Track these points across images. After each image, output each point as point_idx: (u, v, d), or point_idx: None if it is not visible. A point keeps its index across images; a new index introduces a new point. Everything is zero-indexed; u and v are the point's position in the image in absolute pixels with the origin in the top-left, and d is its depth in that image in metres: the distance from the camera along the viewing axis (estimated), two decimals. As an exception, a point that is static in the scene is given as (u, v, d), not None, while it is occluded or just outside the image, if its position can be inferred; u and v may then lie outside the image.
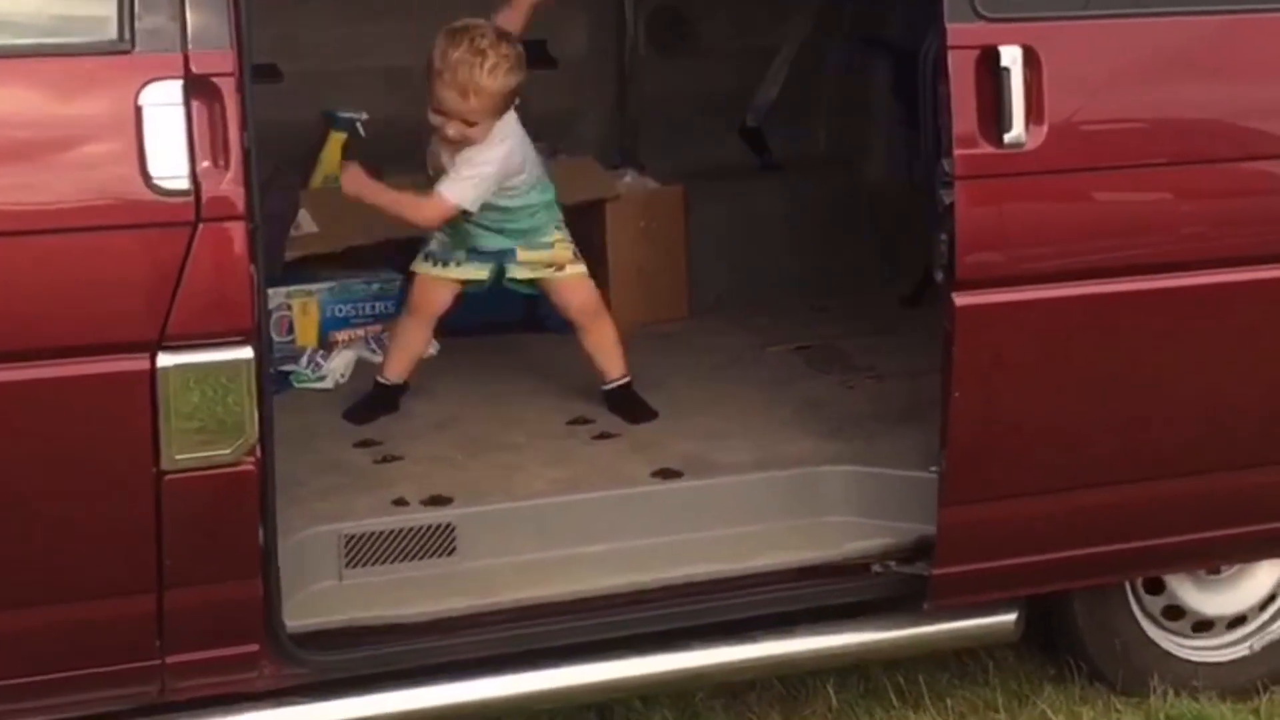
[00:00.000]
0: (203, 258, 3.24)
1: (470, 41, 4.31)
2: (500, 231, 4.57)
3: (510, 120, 4.48)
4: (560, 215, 4.67)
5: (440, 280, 4.63)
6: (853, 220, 5.66)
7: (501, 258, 4.62)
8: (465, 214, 4.49)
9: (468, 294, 4.74)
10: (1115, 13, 3.75)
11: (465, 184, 4.44)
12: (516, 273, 4.64)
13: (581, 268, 4.68)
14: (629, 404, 4.62)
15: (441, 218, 4.49)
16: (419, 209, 4.49)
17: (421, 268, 4.65)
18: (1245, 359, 3.97)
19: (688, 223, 5.55)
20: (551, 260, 4.64)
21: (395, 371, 4.64)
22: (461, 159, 4.44)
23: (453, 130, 4.38)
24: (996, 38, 3.62)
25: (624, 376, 4.65)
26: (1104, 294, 3.79)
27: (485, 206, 4.50)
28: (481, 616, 3.79)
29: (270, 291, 4.88)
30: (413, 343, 4.66)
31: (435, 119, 4.40)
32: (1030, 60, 3.64)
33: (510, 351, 5.06)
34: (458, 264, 4.62)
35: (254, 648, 3.50)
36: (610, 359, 4.65)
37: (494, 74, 4.31)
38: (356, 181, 4.47)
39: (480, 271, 4.63)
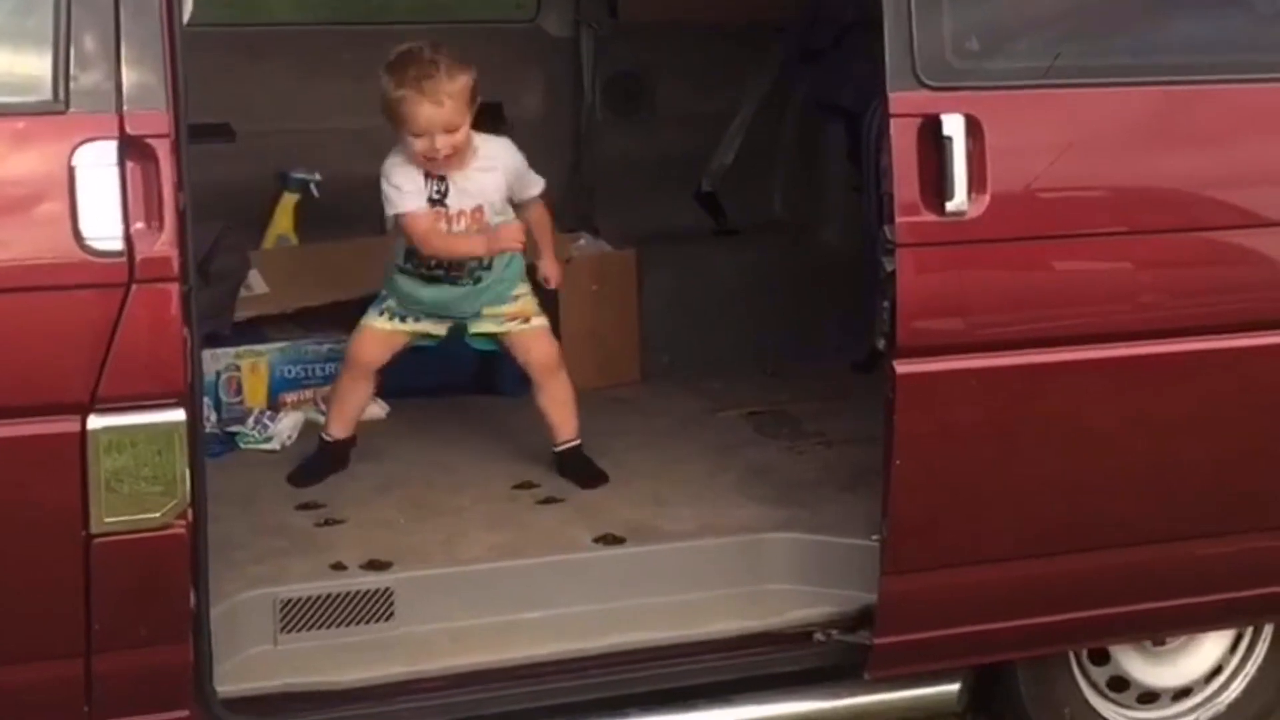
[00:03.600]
0: (136, 319, 3.22)
1: (415, 59, 4.36)
2: (475, 281, 4.54)
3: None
4: (524, 267, 4.65)
5: (389, 334, 4.59)
6: (807, 285, 5.65)
7: (464, 315, 4.60)
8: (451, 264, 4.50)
9: (420, 355, 4.72)
10: (1058, 83, 3.75)
11: (528, 171, 4.60)
12: (479, 327, 4.61)
13: (544, 321, 4.67)
14: (579, 467, 4.59)
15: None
16: (550, 219, 4.76)
17: (375, 321, 4.60)
18: (1189, 429, 3.96)
19: (641, 286, 5.55)
20: (517, 313, 4.62)
21: (339, 428, 4.61)
22: (500, 148, 4.54)
23: (440, 143, 4.37)
24: (939, 106, 3.63)
25: (575, 439, 4.63)
26: (1046, 363, 3.78)
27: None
28: (418, 683, 3.76)
29: (219, 352, 4.91)
30: (354, 398, 4.62)
31: (421, 143, 4.38)
32: (973, 129, 3.65)
33: (460, 414, 5.04)
34: (415, 320, 4.59)
35: (184, 713, 3.46)
36: (564, 419, 4.63)
37: (453, 75, 4.35)
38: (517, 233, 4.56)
39: (439, 327, 4.61)
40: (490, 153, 4.52)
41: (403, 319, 4.60)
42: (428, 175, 4.45)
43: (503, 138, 4.61)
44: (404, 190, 4.43)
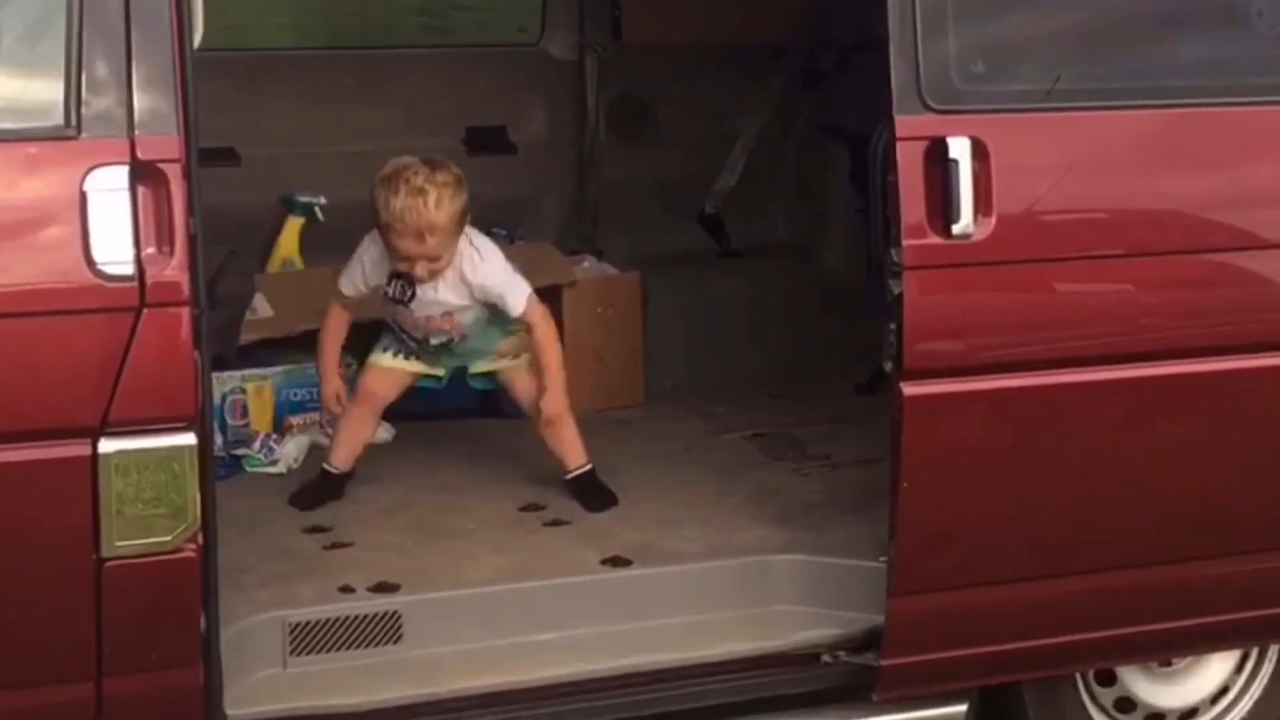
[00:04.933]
0: (146, 343, 3.24)
1: (406, 184, 4.29)
2: (458, 356, 4.60)
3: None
4: (503, 324, 4.62)
5: (396, 371, 4.64)
6: (810, 307, 5.67)
7: (465, 358, 4.64)
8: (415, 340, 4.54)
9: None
10: (1063, 105, 3.77)
11: (517, 279, 4.49)
12: (479, 366, 4.65)
13: (525, 357, 4.67)
14: (590, 491, 4.60)
15: (547, 316, 4.55)
16: (553, 339, 4.55)
17: (380, 358, 4.65)
18: (1196, 450, 3.97)
19: (645, 309, 5.57)
20: (509, 350, 4.65)
21: (341, 460, 4.62)
22: (484, 276, 4.44)
23: (420, 270, 4.37)
24: (944, 129, 3.65)
25: (585, 464, 4.64)
26: (1052, 384, 3.79)
27: (450, 344, 4.56)
28: (427, 706, 3.76)
29: (225, 375, 4.91)
30: (359, 433, 4.65)
31: (401, 266, 4.39)
32: (978, 152, 3.66)
33: (465, 437, 5.04)
34: (417, 357, 4.62)
35: (194, 736, 3.47)
36: (570, 449, 4.63)
37: (440, 207, 4.30)
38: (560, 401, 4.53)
39: (438, 369, 4.65)
40: (469, 270, 4.44)
41: (406, 356, 4.63)
42: (399, 275, 4.43)
43: (493, 250, 4.50)
44: (357, 273, 4.48)
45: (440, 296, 4.46)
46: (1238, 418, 3.97)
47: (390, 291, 4.47)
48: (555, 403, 4.55)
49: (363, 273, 4.50)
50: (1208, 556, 4.07)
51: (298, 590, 3.95)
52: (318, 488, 4.59)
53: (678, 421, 5.28)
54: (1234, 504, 4.03)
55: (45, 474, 3.23)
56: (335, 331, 4.58)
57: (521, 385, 4.67)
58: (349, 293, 4.54)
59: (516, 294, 4.49)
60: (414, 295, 4.45)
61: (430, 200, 4.28)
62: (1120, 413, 3.88)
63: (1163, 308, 3.89)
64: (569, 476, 4.63)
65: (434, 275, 4.41)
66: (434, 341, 4.57)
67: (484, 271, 4.46)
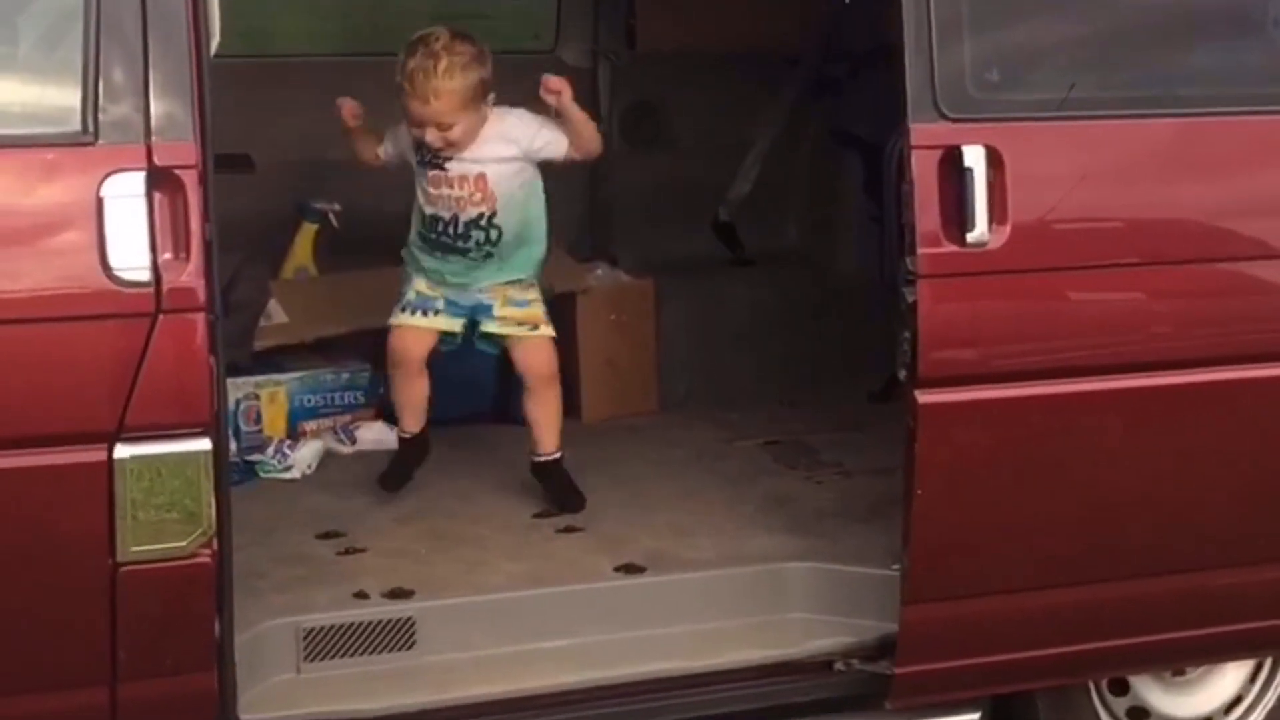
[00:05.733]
0: (162, 349, 3.24)
1: (425, 48, 4.36)
2: (485, 256, 4.54)
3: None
4: (539, 265, 4.65)
5: (417, 329, 4.63)
6: (824, 315, 5.67)
7: (476, 311, 4.62)
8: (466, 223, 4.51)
9: (439, 383, 4.75)
10: (1078, 114, 3.77)
11: (544, 134, 4.52)
12: (490, 327, 4.62)
13: (550, 330, 4.67)
14: (557, 482, 4.62)
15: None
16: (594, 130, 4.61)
17: (398, 318, 4.64)
18: (1210, 458, 3.97)
19: (658, 316, 5.57)
20: (525, 318, 4.64)
21: (409, 423, 4.68)
22: (515, 121, 4.49)
23: (431, 137, 4.40)
24: (959, 138, 3.65)
25: (556, 452, 4.65)
26: (1067, 393, 3.79)
27: (484, 224, 4.51)
28: (441, 712, 3.77)
29: (239, 381, 4.92)
30: (412, 392, 4.66)
31: (415, 132, 4.43)
32: (993, 160, 3.66)
33: (479, 443, 5.05)
34: (434, 313, 4.61)
35: (209, 742, 3.47)
36: (548, 430, 4.65)
37: (449, 74, 4.34)
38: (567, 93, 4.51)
39: (454, 324, 4.63)
40: (499, 130, 4.49)
41: (423, 312, 4.61)
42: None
43: (516, 110, 4.54)
44: (399, 132, 4.56)
45: (470, 157, 4.46)
46: (1253, 427, 3.97)
47: (426, 155, 4.48)
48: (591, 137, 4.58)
49: (397, 138, 4.58)
50: (1223, 566, 4.07)
51: (312, 596, 3.95)
52: (401, 458, 4.67)
53: (690, 429, 5.28)
54: (1249, 513, 4.03)
55: (61, 479, 3.23)
56: (366, 136, 4.68)
57: (525, 356, 4.66)
58: (388, 150, 4.63)
59: (550, 134, 4.52)
60: (451, 154, 4.45)
61: (440, 66, 4.33)
62: (1134, 421, 3.88)
63: (1178, 316, 3.89)
64: (536, 459, 4.64)
65: (449, 146, 4.42)
66: (466, 235, 4.51)
67: (515, 117, 4.50)
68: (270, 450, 4.90)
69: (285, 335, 5.16)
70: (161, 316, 3.24)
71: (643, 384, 5.53)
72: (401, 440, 4.74)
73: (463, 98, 4.38)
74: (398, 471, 4.68)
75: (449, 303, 4.61)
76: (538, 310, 4.65)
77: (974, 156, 3.65)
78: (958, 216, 3.65)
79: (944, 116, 3.65)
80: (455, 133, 4.40)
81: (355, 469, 4.88)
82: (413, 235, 4.63)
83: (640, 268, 5.66)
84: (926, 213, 3.64)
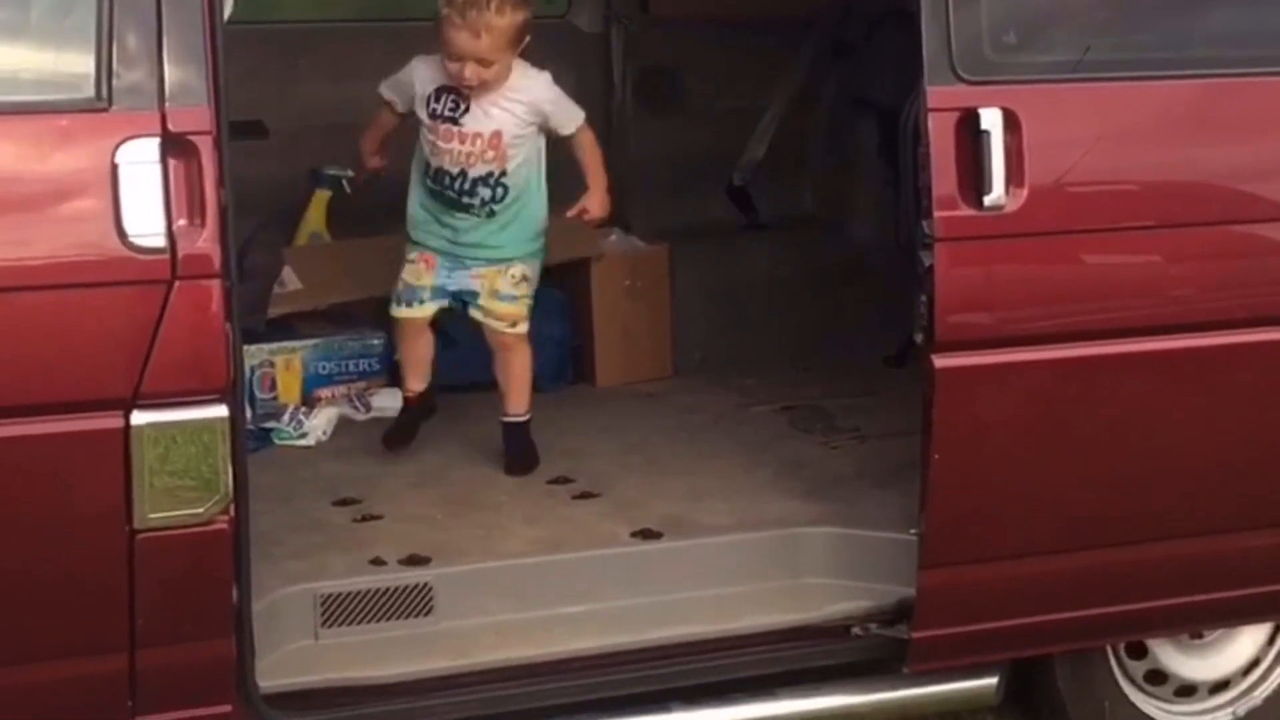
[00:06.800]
0: (178, 315, 3.23)
1: None
2: (489, 215, 4.54)
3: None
4: (538, 255, 4.66)
5: (415, 320, 4.67)
6: (838, 280, 5.66)
7: (462, 295, 4.63)
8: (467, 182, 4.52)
9: (452, 353, 4.79)
10: (1095, 76, 3.75)
11: (572, 102, 4.58)
12: (474, 314, 4.65)
13: (524, 329, 4.67)
14: (517, 443, 4.64)
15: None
16: (599, 149, 4.68)
17: (396, 311, 4.70)
18: (1228, 422, 3.95)
19: (673, 282, 5.56)
20: (506, 315, 4.64)
21: (414, 383, 4.73)
22: (537, 85, 4.52)
23: (469, 72, 4.40)
24: (977, 100, 3.63)
25: (524, 415, 4.68)
26: (1084, 357, 3.78)
27: (492, 182, 4.52)
28: (458, 678, 3.77)
29: (254, 348, 4.92)
30: (415, 350, 4.72)
31: (453, 66, 4.42)
32: (1010, 123, 3.64)
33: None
34: (421, 303, 4.64)
35: (227, 708, 3.47)
36: (516, 391, 4.67)
37: (501, 11, 4.37)
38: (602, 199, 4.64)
39: (439, 306, 4.68)
40: (523, 85, 4.51)
41: (408, 304, 4.64)
42: (451, 90, 4.48)
43: (544, 72, 4.56)
44: (404, 82, 4.56)
45: (492, 110, 4.47)
46: (1271, 389, 3.95)
47: (439, 109, 4.48)
48: (596, 200, 4.63)
49: (409, 80, 4.57)
50: (1240, 529, 4.06)
51: (329, 563, 3.96)
52: (404, 418, 4.72)
53: (706, 394, 5.27)
54: (1266, 476, 4.01)
55: (78, 446, 3.23)
56: (381, 126, 4.71)
57: (492, 337, 4.66)
58: (388, 94, 4.62)
59: (570, 107, 4.57)
60: (468, 109, 4.47)
61: (492, 3, 4.35)
62: (1152, 384, 3.87)
63: (1195, 279, 3.87)
64: (504, 419, 4.67)
65: (483, 86, 4.42)
66: (473, 192, 4.51)
67: (538, 82, 4.53)
68: (285, 417, 4.90)
69: (300, 302, 5.15)
70: (177, 283, 3.22)
71: (658, 349, 5.53)
72: (406, 399, 4.76)
73: (509, 36, 4.41)
74: (401, 433, 4.71)
75: (435, 290, 4.62)
76: (522, 308, 4.64)
77: (991, 119, 3.63)
78: (974, 180, 3.63)
79: (961, 79, 3.62)
80: (492, 71, 4.42)
81: (370, 435, 4.87)
82: (414, 191, 4.63)
83: (655, 233, 5.65)
84: (943, 176, 3.62)
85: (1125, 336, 3.81)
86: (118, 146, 3.19)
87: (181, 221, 3.23)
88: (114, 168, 3.19)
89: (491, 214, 4.55)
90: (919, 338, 3.71)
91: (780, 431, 4.95)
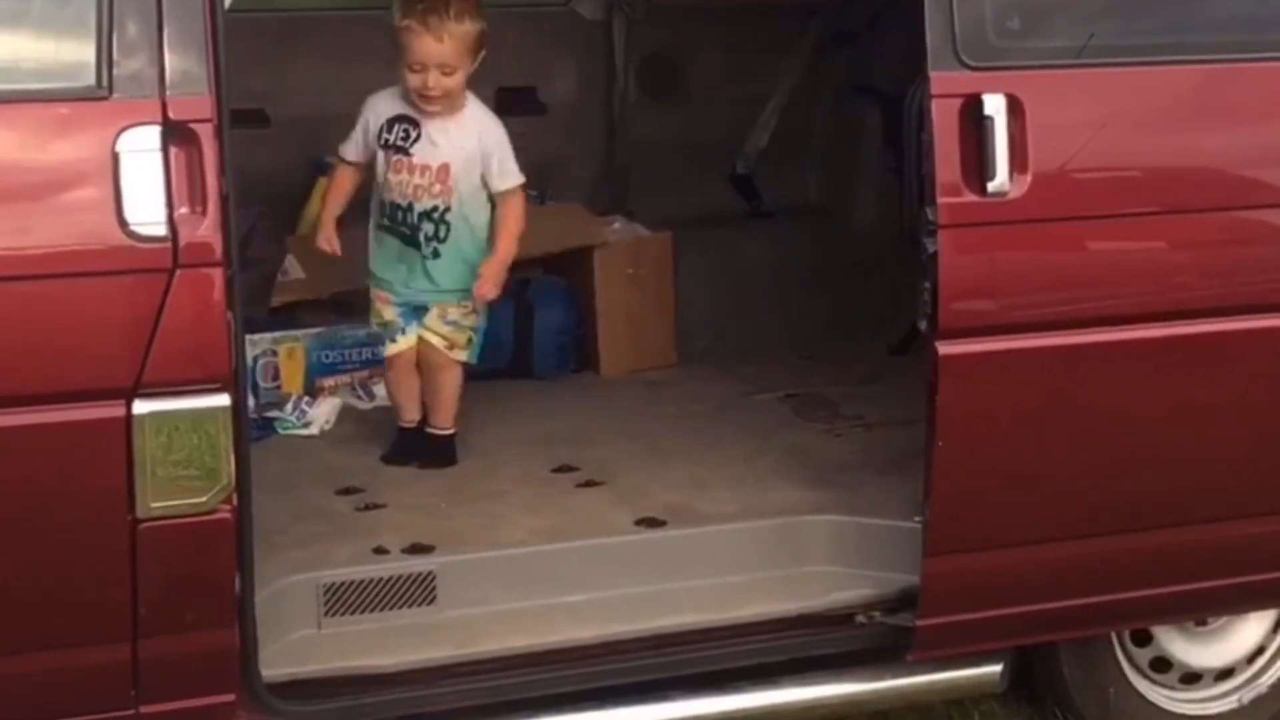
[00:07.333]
0: (180, 304, 3.22)
1: None
2: (434, 255, 4.54)
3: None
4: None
5: (396, 354, 4.67)
6: (842, 268, 5.65)
7: (419, 311, 4.63)
8: (400, 216, 4.53)
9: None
10: (1099, 62, 3.74)
11: (509, 160, 4.53)
12: (419, 330, 4.63)
13: (463, 357, 4.65)
14: (436, 451, 4.63)
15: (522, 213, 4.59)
16: (520, 220, 4.56)
17: (388, 349, 4.70)
18: (1232, 409, 3.94)
19: (676, 270, 5.55)
20: (449, 340, 4.62)
21: (408, 414, 4.69)
22: (490, 126, 4.52)
23: (432, 80, 4.40)
24: (980, 86, 3.62)
25: (451, 430, 4.66)
26: (1089, 343, 3.77)
27: (436, 217, 4.52)
28: (462, 666, 3.76)
29: (256, 337, 4.91)
30: (403, 389, 4.71)
31: (415, 79, 4.42)
32: (1014, 109, 3.63)
33: (496, 398, 5.03)
34: (404, 333, 4.64)
35: (230, 698, 3.46)
36: (441, 409, 4.66)
37: (460, 18, 4.39)
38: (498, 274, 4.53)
39: (410, 333, 4.66)
40: (477, 115, 4.53)
41: (392, 340, 4.67)
42: (403, 120, 4.48)
43: (495, 118, 4.57)
44: (358, 133, 4.57)
45: (442, 140, 4.48)
46: (1276, 375, 3.94)
47: (391, 138, 4.49)
48: (488, 276, 4.49)
49: (365, 130, 4.57)
50: (1245, 515, 4.05)
51: (332, 552, 3.95)
52: (400, 447, 4.66)
53: (709, 382, 5.26)
54: (1271, 462, 4.01)
55: (80, 435, 3.22)
56: (341, 184, 4.68)
57: (427, 355, 4.63)
58: (351, 158, 4.63)
59: (512, 166, 4.54)
60: (419, 137, 4.47)
61: (452, 9, 4.38)
62: (1156, 371, 3.86)
63: (1199, 266, 3.86)
64: (431, 431, 4.65)
65: (447, 95, 4.43)
66: (418, 227, 4.51)
67: (492, 121, 4.53)
68: (289, 407, 4.90)
69: (303, 291, 5.15)
70: (179, 271, 3.21)
71: (661, 338, 5.52)
72: (401, 430, 4.70)
73: (469, 44, 4.42)
74: (394, 459, 4.66)
75: (404, 314, 4.63)
76: (463, 336, 4.62)
77: (995, 105, 3.62)
78: (978, 166, 3.62)
79: (964, 65, 3.61)
80: (453, 80, 4.42)
81: (373, 425, 4.87)
82: (371, 232, 4.64)
83: (658, 221, 5.64)
84: (947, 162, 3.61)
85: (1129, 323, 3.80)
86: (118, 135, 3.18)
87: (183, 210, 3.22)
88: (115, 156, 3.18)
89: (436, 254, 4.55)
90: (923, 325, 3.70)
91: (784, 419, 4.94)
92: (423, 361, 4.65)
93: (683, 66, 5.96)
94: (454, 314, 4.60)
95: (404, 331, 4.64)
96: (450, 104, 4.47)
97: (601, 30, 5.91)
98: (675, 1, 5.87)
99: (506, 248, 4.53)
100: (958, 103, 3.61)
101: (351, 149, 4.62)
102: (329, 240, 4.60)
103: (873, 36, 5.79)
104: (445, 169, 4.49)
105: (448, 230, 4.53)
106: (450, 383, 4.65)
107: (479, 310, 4.61)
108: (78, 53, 3.20)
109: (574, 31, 5.89)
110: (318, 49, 5.52)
